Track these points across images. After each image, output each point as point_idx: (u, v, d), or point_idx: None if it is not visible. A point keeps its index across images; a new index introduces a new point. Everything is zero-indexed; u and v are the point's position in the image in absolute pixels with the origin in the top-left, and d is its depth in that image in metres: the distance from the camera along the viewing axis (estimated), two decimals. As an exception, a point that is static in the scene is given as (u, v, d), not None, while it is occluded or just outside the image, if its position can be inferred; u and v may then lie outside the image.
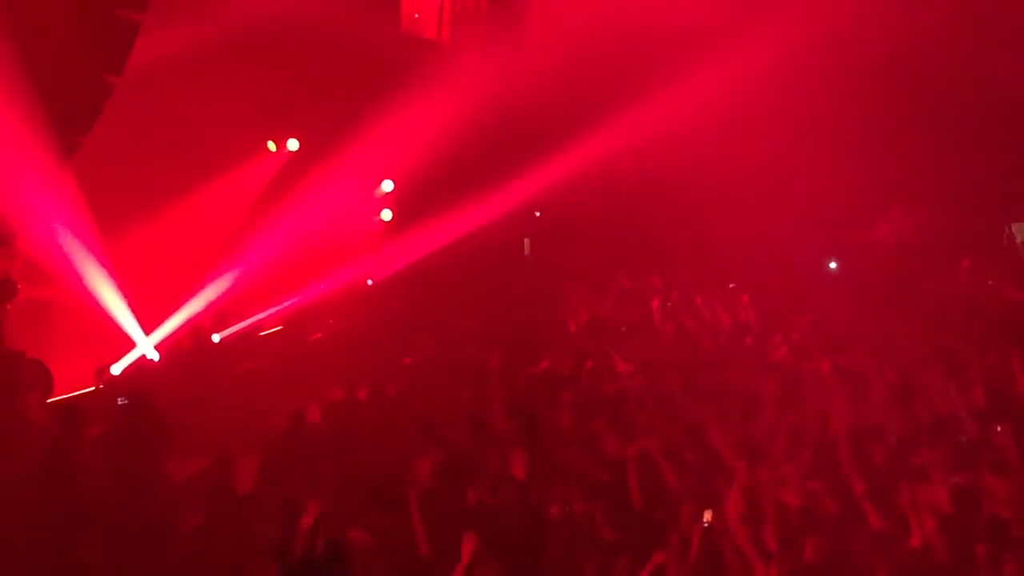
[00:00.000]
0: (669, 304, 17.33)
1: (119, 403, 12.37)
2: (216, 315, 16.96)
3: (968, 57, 20.88)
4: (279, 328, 17.99)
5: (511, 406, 11.73)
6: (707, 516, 8.26)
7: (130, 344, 15.21)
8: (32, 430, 12.12)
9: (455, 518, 8.76)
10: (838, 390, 11.22)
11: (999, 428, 9.75)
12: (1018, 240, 22.32)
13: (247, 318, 17.51)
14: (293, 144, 18.76)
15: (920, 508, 8.18)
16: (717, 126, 21.37)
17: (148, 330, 15.51)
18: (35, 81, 12.09)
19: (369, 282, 20.44)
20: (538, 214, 23.36)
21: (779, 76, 20.60)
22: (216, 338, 16.69)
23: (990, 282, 17.78)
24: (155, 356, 15.42)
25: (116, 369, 14.41)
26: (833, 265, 22.13)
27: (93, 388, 14.17)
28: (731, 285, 18.63)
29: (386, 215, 21.07)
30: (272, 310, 18.10)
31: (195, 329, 16.61)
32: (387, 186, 21.01)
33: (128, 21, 12.62)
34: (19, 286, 13.54)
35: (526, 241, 24.02)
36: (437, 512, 8.93)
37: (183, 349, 16.05)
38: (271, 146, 18.70)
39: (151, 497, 10.95)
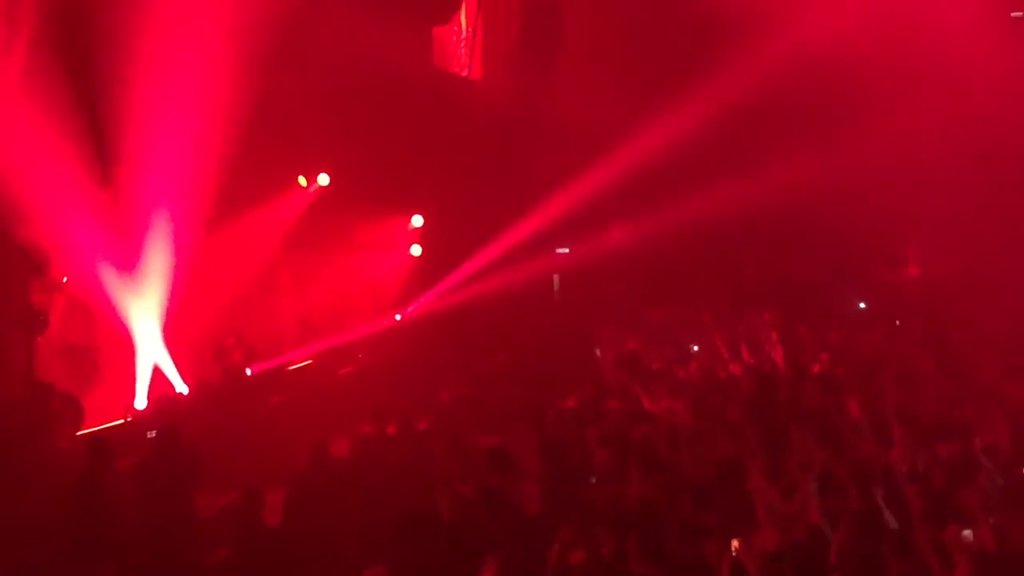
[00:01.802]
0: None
1: (148, 436, 12.42)
2: (247, 349, 17.00)
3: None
4: (309, 362, 18.01)
5: (539, 442, 11.68)
6: (735, 545, 8.22)
7: (161, 377, 15.26)
8: (62, 462, 12.17)
9: (479, 554, 8.70)
10: (870, 431, 11.13)
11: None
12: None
13: (278, 352, 17.56)
14: (324, 179, 18.84)
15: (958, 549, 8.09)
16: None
17: (180, 364, 15.57)
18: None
19: (398, 317, 20.46)
20: (567, 251, 23.36)
21: None
22: (248, 372, 16.73)
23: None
24: (184, 389, 15.46)
25: (140, 403, 14.42)
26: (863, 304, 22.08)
27: (122, 421, 14.22)
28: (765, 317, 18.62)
29: (416, 250, 21.11)
30: (302, 344, 18.17)
31: (226, 363, 16.67)
32: (417, 221, 21.07)
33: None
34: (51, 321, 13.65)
35: (555, 278, 24.02)
36: (462, 547, 8.88)
37: (213, 382, 16.08)
38: (302, 181, 18.78)
39: (179, 530, 10.96)
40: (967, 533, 8.25)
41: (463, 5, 21.36)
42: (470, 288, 20.32)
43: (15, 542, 10.65)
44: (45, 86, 12.24)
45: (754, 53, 20.47)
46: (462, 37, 21.87)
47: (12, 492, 11.39)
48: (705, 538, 8.57)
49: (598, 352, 19.83)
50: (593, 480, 10.67)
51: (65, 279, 14.30)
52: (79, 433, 13.17)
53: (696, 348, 18.03)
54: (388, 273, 20.86)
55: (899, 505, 9.08)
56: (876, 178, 21.34)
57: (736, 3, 21.33)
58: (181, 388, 15.40)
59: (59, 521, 10.72)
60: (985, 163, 21.51)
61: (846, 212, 21.83)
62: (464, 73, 21.80)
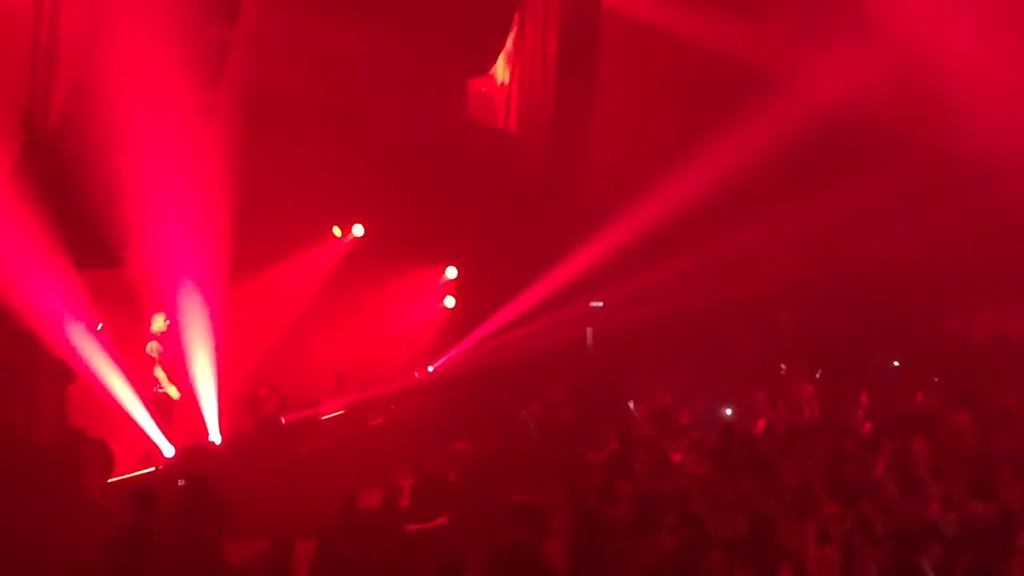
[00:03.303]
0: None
1: (179, 484, 12.43)
2: (280, 399, 17.04)
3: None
4: (341, 413, 18.01)
5: (568, 494, 11.63)
6: None
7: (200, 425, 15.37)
8: (95, 510, 12.21)
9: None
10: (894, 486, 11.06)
11: None
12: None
13: (310, 402, 17.58)
14: (358, 230, 18.93)
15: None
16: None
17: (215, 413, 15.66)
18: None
19: (430, 368, 20.47)
20: (600, 304, 23.33)
21: None
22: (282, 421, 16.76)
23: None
24: (217, 439, 15.50)
25: (168, 451, 14.46)
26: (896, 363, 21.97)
27: (152, 469, 14.25)
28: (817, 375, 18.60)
29: (449, 302, 21.15)
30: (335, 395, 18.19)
31: (258, 412, 16.71)
32: (451, 273, 21.12)
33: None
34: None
35: (588, 331, 23.97)
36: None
37: (246, 431, 16.11)
38: (336, 231, 18.87)
39: (209, 578, 10.96)
40: None
41: (499, 57, 21.48)
42: (503, 340, 20.31)
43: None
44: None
45: (788, 105, 20.53)
46: (498, 89, 21.99)
47: (44, 537, 11.43)
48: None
49: (631, 405, 19.75)
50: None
51: (100, 326, 14.41)
52: (110, 480, 13.22)
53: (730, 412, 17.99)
54: (421, 324, 20.89)
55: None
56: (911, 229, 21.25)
57: (770, 56, 21.41)
58: (214, 437, 15.46)
59: (96, 569, 10.75)
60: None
61: (886, 268, 21.88)
62: (500, 125, 21.89)
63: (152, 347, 15.19)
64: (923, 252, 21.44)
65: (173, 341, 15.43)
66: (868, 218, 21.56)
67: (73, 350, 12.93)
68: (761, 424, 16.01)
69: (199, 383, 15.51)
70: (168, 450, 14.44)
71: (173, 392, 15.22)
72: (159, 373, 15.12)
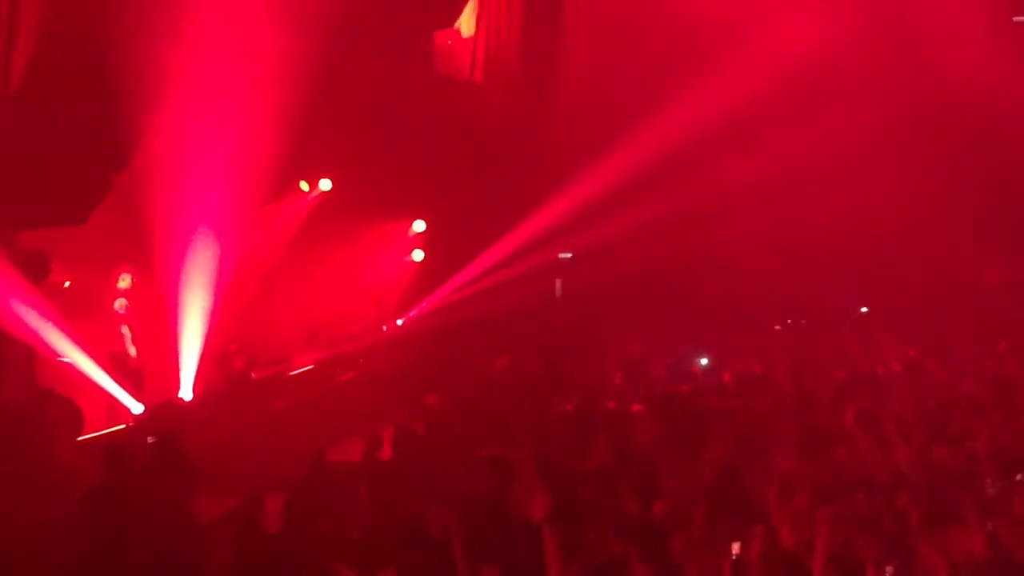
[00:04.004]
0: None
1: (148, 442, 12.42)
2: (249, 355, 17.02)
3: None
4: (310, 368, 18.02)
5: (538, 446, 11.68)
6: (735, 548, 8.22)
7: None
8: (65, 468, 12.20)
9: (479, 561, 8.68)
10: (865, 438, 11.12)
11: None
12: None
13: (280, 358, 17.58)
14: (326, 184, 18.84)
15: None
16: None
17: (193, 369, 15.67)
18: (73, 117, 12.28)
19: (399, 322, 20.47)
20: (569, 255, 23.33)
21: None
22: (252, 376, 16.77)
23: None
24: (188, 395, 15.49)
25: (137, 408, 14.44)
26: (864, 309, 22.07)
27: (122, 426, 14.24)
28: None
29: (417, 255, 21.12)
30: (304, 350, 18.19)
31: (228, 368, 16.69)
32: (419, 226, 21.08)
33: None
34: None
35: (557, 282, 23.99)
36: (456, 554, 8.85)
37: (215, 388, 16.10)
38: (304, 186, 18.78)
39: (179, 535, 10.96)
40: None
41: (464, 8, 21.34)
42: (471, 293, 20.34)
43: (14, 547, 10.67)
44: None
45: (759, 52, 20.53)
46: (464, 40, 21.85)
47: (14, 496, 11.42)
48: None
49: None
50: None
51: (67, 284, 14.34)
52: (79, 439, 13.21)
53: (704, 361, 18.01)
54: (390, 278, 20.87)
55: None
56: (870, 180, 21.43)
57: (748, 9, 21.39)
58: (184, 393, 15.45)
59: (67, 527, 10.76)
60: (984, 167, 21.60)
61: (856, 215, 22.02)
62: (466, 76, 21.78)
63: (120, 304, 15.15)
64: (894, 198, 21.56)
65: (140, 298, 15.39)
66: (841, 166, 21.70)
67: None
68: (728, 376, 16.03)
69: (186, 338, 15.49)
70: (136, 408, 14.42)
71: (132, 351, 15.18)
72: (125, 330, 15.08)
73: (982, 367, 15.13)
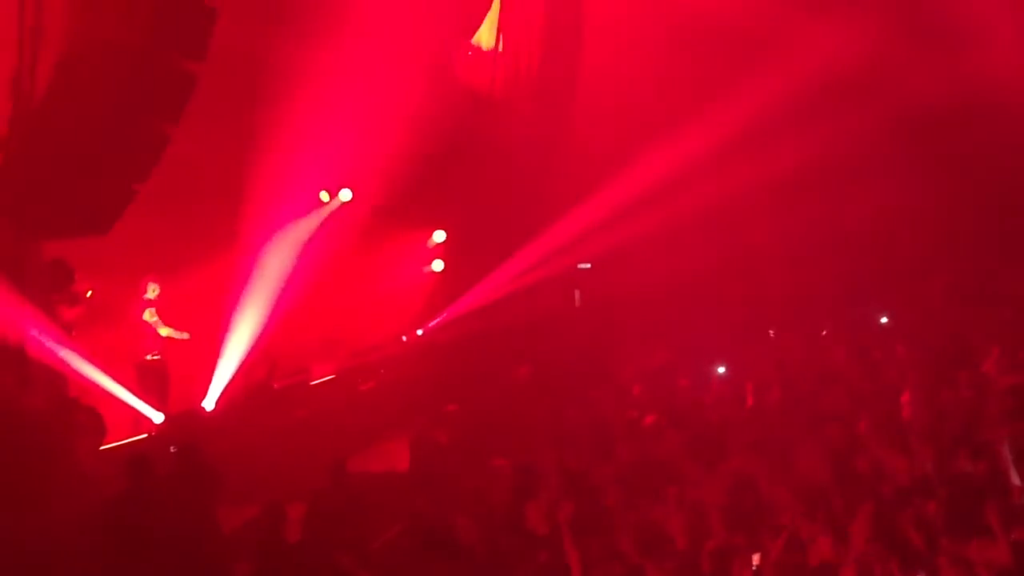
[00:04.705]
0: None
1: (171, 451, 12.49)
2: (271, 364, 17.07)
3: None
4: (331, 377, 18.07)
5: (557, 456, 11.70)
6: (755, 560, 8.24)
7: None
8: (86, 478, 12.25)
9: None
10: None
11: None
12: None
13: (300, 368, 17.63)
14: (346, 195, 18.89)
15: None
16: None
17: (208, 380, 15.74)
18: (94, 128, 12.34)
19: (419, 332, 20.51)
20: (588, 266, 23.36)
21: None
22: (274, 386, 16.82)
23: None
24: (210, 405, 15.56)
25: (159, 417, 14.52)
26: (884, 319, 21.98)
27: (145, 435, 14.31)
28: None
29: (437, 266, 21.17)
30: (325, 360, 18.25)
31: (250, 378, 16.74)
32: (439, 237, 21.13)
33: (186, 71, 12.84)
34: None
35: (576, 293, 24.02)
36: (478, 563, 8.90)
37: (238, 397, 16.15)
38: (324, 196, 18.83)
39: (201, 544, 11.01)
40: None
41: (486, 23, 21.39)
42: (491, 304, 20.36)
43: (35, 555, 10.73)
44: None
45: (779, 65, 20.54)
46: (484, 53, 21.90)
47: (37, 505, 11.47)
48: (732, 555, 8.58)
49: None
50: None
51: (90, 293, 14.41)
52: (102, 448, 13.27)
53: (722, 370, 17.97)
54: (410, 289, 20.91)
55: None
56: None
57: (762, 22, 21.38)
58: (207, 403, 15.53)
59: (90, 536, 10.82)
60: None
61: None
62: (487, 89, 21.82)
63: (150, 314, 15.25)
64: (917, 205, 21.54)
65: (167, 308, 15.48)
66: (859, 173, 21.70)
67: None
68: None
69: (229, 347, 15.58)
70: (157, 417, 14.49)
71: (158, 359, 15.30)
72: (164, 331, 15.21)
73: (1003, 376, 15.05)
